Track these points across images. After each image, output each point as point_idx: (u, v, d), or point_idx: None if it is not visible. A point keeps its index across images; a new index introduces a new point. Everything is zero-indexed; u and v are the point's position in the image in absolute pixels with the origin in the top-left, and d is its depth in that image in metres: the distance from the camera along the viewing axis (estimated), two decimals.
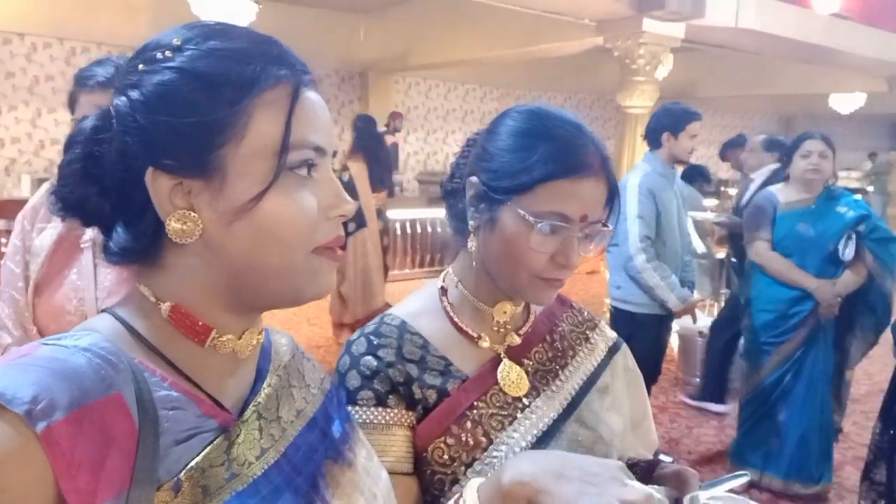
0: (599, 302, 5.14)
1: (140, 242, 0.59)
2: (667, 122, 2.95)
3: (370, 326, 0.95)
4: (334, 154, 0.65)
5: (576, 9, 5.43)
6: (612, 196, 0.89)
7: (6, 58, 7.47)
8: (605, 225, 0.89)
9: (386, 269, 5.36)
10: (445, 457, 0.87)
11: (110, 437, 0.50)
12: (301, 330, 5.41)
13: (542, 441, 0.91)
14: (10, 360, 0.51)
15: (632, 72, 5.69)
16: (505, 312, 0.96)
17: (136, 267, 0.62)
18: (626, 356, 1.09)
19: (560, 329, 1.04)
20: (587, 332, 1.07)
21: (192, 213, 0.56)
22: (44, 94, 7.73)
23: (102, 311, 0.62)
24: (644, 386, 1.12)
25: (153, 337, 0.59)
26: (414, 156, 10.91)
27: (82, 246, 1.56)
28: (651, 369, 3.03)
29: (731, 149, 4.94)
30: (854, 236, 2.81)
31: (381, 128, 6.04)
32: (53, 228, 1.59)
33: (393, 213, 7.23)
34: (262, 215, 0.56)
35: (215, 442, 0.58)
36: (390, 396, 0.88)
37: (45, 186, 1.72)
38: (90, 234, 1.56)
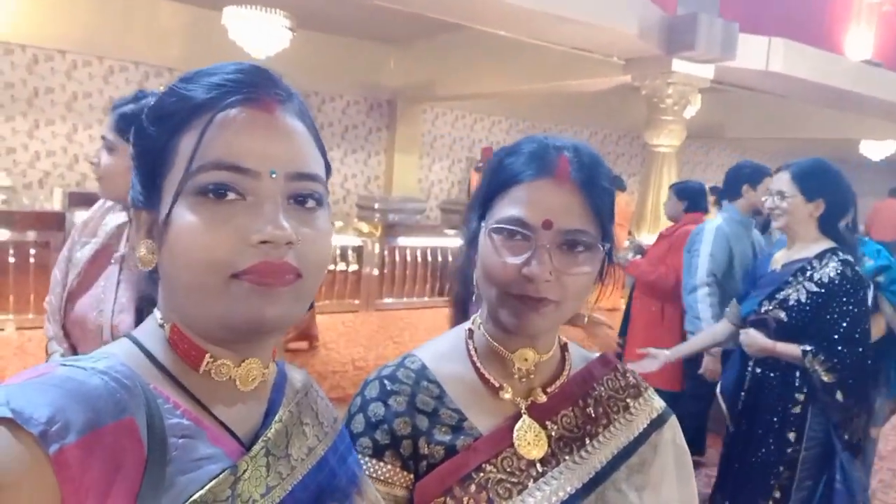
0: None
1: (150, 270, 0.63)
2: (747, 176, 3.24)
3: (388, 368, 0.90)
4: (305, 178, 0.60)
5: (604, 47, 5.46)
6: (599, 214, 0.81)
7: (47, 74, 7.70)
8: (597, 243, 0.82)
9: None
10: None
11: (119, 462, 0.50)
12: (317, 355, 5.40)
13: None
14: (28, 378, 0.51)
15: (660, 111, 5.70)
16: (526, 360, 0.88)
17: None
18: (674, 430, 0.95)
19: (597, 393, 0.92)
20: (628, 399, 0.94)
21: (149, 241, 0.60)
22: (81, 110, 7.94)
23: (124, 336, 0.62)
24: (692, 466, 0.96)
25: (166, 362, 0.60)
26: (438, 184, 10.97)
27: (112, 262, 1.69)
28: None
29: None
30: (872, 286, 2.75)
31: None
32: (94, 244, 1.74)
33: (414, 241, 7.26)
34: (171, 237, 0.57)
35: (221, 476, 0.57)
36: (387, 451, 0.83)
37: (98, 203, 1.85)
38: (122, 250, 1.69)
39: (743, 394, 2.37)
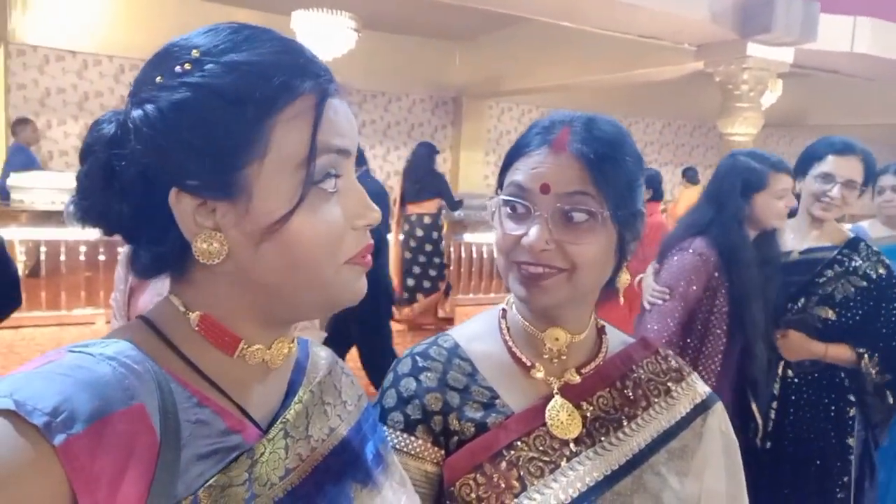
0: None
1: (164, 261, 0.58)
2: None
3: (421, 346, 0.91)
4: (359, 159, 0.62)
5: (675, 33, 5.28)
6: (604, 177, 0.78)
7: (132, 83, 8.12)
8: (599, 210, 0.78)
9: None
10: (472, 496, 0.79)
11: (130, 449, 0.49)
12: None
13: (585, 499, 0.80)
14: (35, 367, 0.50)
15: (734, 98, 5.46)
16: (557, 339, 0.86)
17: (161, 290, 0.61)
18: (720, 418, 0.91)
19: (636, 375, 0.90)
20: (669, 383, 0.91)
21: (219, 234, 0.55)
22: (92, 109, 8.12)
23: (138, 316, 0.61)
24: (740, 458, 0.92)
25: (183, 345, 0.58)
26: None
27: None
28: None
29: None
30: None
31: None
32: None
33: (481, 237, 7.23)
34: (289, 235, 0.54)
35: (238, 459, 0.56)
36: (419, 426, 0.83)
37: None
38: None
39: (775, 403, 2.08)
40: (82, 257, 5.69)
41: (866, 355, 1.95)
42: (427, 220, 5.73)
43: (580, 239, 0.79)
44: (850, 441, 2.00)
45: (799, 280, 2.04)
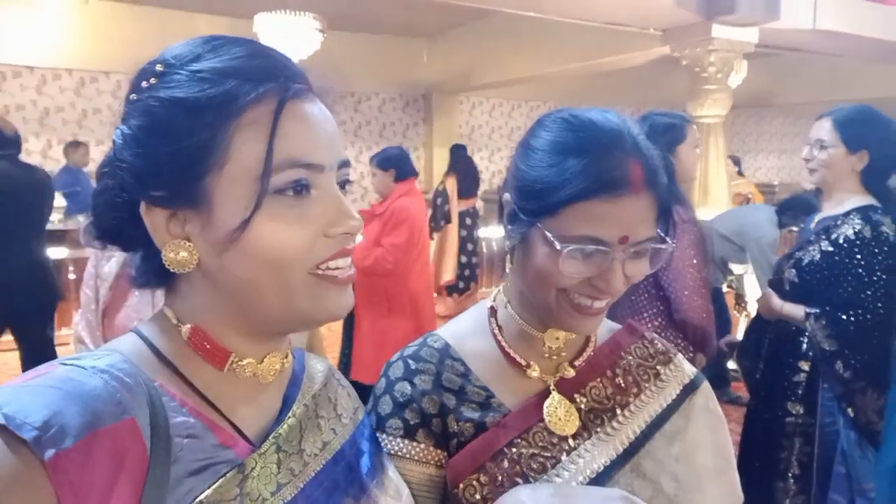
0: None
1: (151, 270, 0.60)
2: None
3: (411, 348, 0.89)
4: (346, 165, 0.60)
5: (640, 18, 5.29)
6: (665, 211, 0.79)
7: (93, 95, 7.94)
8: (662, 241, 0.79)
9: (473, 254, 6.71)
10: (477, 496, 0.79)
11: (121, 464, 0.49)
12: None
13: None
14: (26, 380, 0.50)
15: (702, 80, 5.49)
16: (557, 338, 0.86)
17: (139, 307, 0.62)
18: (706, 396, 0.92)
19: (625, 362, 0.90)
20: (658, 367, 0.91)
21: (188, 243, 0.56)
22: (91, 126, 7.96)
23: (130, 330, 0.61)
24: (727, 433, 0.93)
25: (176, 359, 0.58)
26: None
27: None
28: None
29: None
30: None
31: None
32: (120, 256, 1.76)
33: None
34: (250, 243, 0.54)
35: (228, 475, 0.55)
36: (420, 430, 0.82)
37: None
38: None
39: (761, 363, 2.20)
40: (72, 275, 5.55)
41: (812, 316, 1.98)
42: (471, 215, 6.53)
43: (643, 272, 0.80)
44: (792, 406, 2.04)
45: (794, 248, 2.12)
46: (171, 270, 0.56)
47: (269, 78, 0.55)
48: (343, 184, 0.61)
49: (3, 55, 7.09)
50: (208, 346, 0.59)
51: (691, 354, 2.02)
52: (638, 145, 0.78)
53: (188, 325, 0.59)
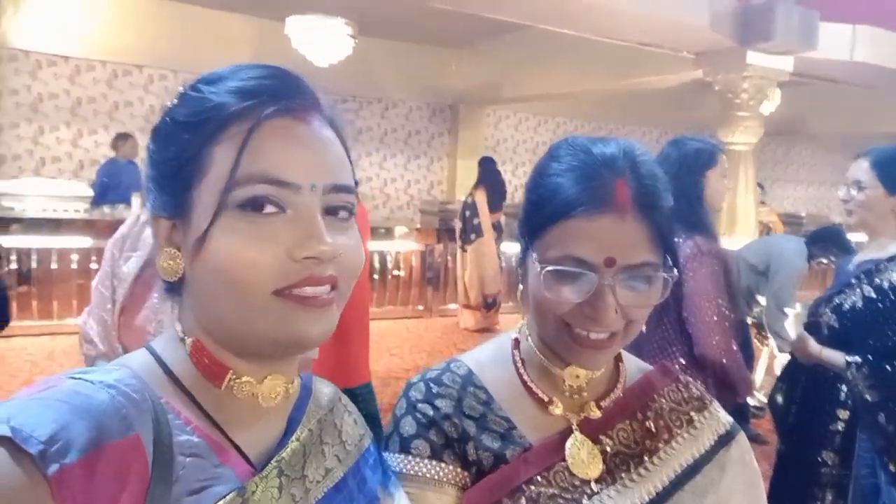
0: None
1: (166, 283, 0.61)
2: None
3: (433, 372, 0.86)
4: (342, 190, 0.58)
5: (674, 40, 5.24)
6: (664, 237, 0.75)
7: (125, 88, 8.06)
8: (664, 269, 0.75)
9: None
10: None
11: (124, 480, 0.49)
12: (381, 360, 5.40)
13: None
14: (34, 393, 0.50)
15: (734, 106, 5.42)
16: (577, 377, 0.81)
17: (157, 309, 0.62)
18: (743, 448, 0.86)
19: (657, 405, 0.85)
20: (692, 413, 0.86)
21: (175, 251, 0.58)
22: (122, 119, 8.05)
23: (144, 347, 0.62)
24: (763, 488, 0.88)
25: (183, 375, 0.58)
26: None
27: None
28: None
29: None
30: None
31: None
32: (139, 257, 1.76)
33: None
34: (209, 255, 0.55)
35: (227, 497, 0.54)
36: (446, 451, 0.79)
37: (132, 217, 1.89)
38: None
39: (794, 407, 2.12)
40: (74, 265, 5.62)
41: (854, 365, 1.90)
42: (497, 228, 6.62)
43: (643, 302, 0.75)
44: (828, 456, 1.97)
45: (834, 291, 2.05)
46: (162, 278, 0.59)
47: (256, 95, 0.56)
48: (337, 210, 0.58)
49: (39, 44, 7.23)
50: (207, 361, 0.58)
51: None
52: (635, 168, 0.75)
53: (191, 339, 0.59)
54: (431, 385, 0.84)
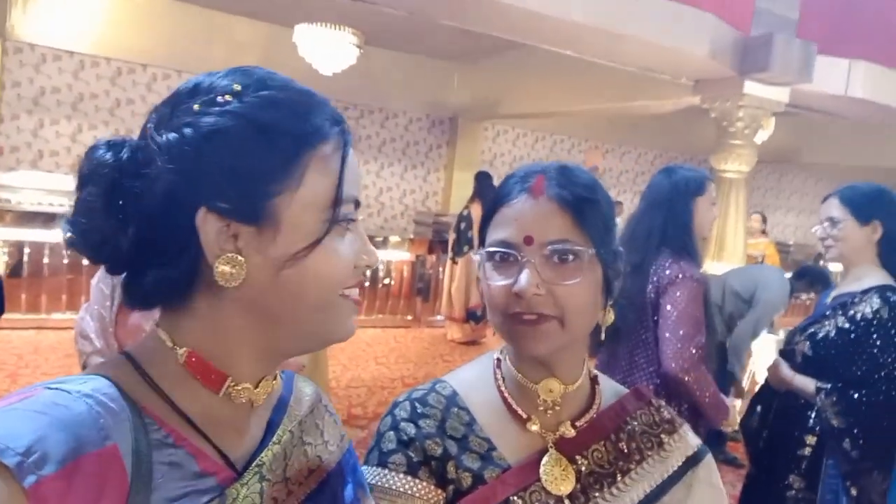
0: None
1: (172, 286, 0.58)
2: None
3: (419, 392, 0.90)
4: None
5: (673, 67, 5.32)
6: (582, 219, 0.81)
7: (128, 86, 8.06)
8: (586, 249, 0.81)
9: None
10: None
11: (101, 491, 0.49)
12: (367, 368, 5.42)
13: None
14: (10, 404, 0.50)
15: (729, 134, 5.49)
16: (551, 391, 0.86)
17: (155, 310, 0.61)
18: (710, 470, 0.92)
19: (630, 427, 0.90)
20: (662, 435, 0.91)
21: (240, 258, 0.56)
22: (123, 116, 8.06)
23: (120, 352, 0.61)
24: None
25: (165, 383, 0.58)
26: None
27: None
28: None
29: None
30: None
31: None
32: None
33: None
34: (309, 264, 0.58)
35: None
36: (422, 468, 0.83)
37: None
38: None
39: (766, 431, 2.20)
40: (65, 260, 5.61)
41: (823, 392, 1.97)
42: None
43: (568, 279, 0.80)
44: (794, 480, 2.03)
45: (810, 321, 2.13)
46: (221, 283, 0.56)
47: (335, 123, 0.62)
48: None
49: (44, 37, 7.23)
50: (205, 370, 0.59)
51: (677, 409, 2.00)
52: (561, 171, 0.85)
53: (184, 349, 0.58)
54: (417, 405, 0.88)
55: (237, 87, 0.58)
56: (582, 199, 0.82)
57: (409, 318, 7.30)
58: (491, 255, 0.84)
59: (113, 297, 1.81)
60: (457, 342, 6.58)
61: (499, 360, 0.93)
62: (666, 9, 4.45)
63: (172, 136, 0.56)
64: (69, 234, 0.57)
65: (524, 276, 0.79)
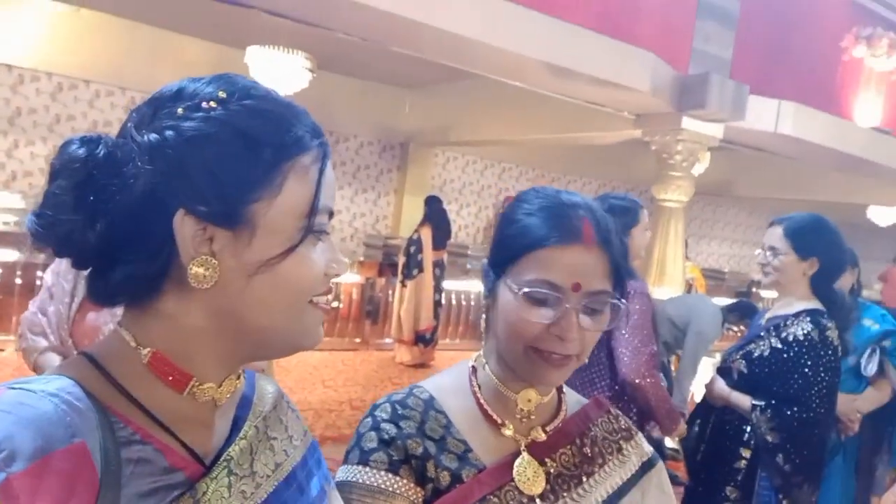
0: None
1: (140, 284, 0.58)
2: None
3: (398, 395, 0.95)
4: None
5: (617, 102, 5.55)
6: (617, 271, 0.88)
7: (69, 102, 7.84)
8: (615, 299, 0.88)
9: (438, 305, 7.02)
10: None
11: (71, 488, 0.49)
12: (315, 391, 5.36)
13: None
14: None
15: (669, 166, 5.75)
16: (529, 401, 0.93)
17: (117, 309, 0.61)
18: (660, 475, 1.00)
19: (593, 433, 0.98)
20: (621, 441, 0.99)
21: (214, 260, 0.57)
22: (62, 132, 7.76)
23: (79, 353, 0.61)
24: None
25: (129, 382, 0.58)
26: None
27: None
28: None
29: None
30: (878, 351, 2.72)
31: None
32: None
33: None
34: (282, 270, 0.60)
35: (180, 499, 0.56)
36: (403, 466, 0.87)
37: None
38: None
39: (703, 445, 2.31)
40: None
41: (758, 408, 2.09)
42: (440, 266, 6.84)
43: (598, 326, 0.87)
44: (729, 491, 2.13)
45: (745, 340, 2.27)
46: (193, 285, 0.57)
47: (315, 135, 0.64)
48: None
49: None
50: (168, 370, 0.59)
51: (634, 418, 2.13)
52: (592, 210, 0.90)
53: (148, 349, 0.59)
54: (397, 406, 0.92)
55: (222, 94, 0.59)
56: (619, 252, 0.89)
57: (358, 340, 7.26)
58: (532, 294, 0.86)
59: (73, 294, 1.78)
60: (405, 365, 6.58)
61: (474, 367, 0.98)
62: (610, 47, 4.66)
63: (154, 136, 0.56)
64: (35, 227, 0.57)
65: (567, 325, 0.84)
